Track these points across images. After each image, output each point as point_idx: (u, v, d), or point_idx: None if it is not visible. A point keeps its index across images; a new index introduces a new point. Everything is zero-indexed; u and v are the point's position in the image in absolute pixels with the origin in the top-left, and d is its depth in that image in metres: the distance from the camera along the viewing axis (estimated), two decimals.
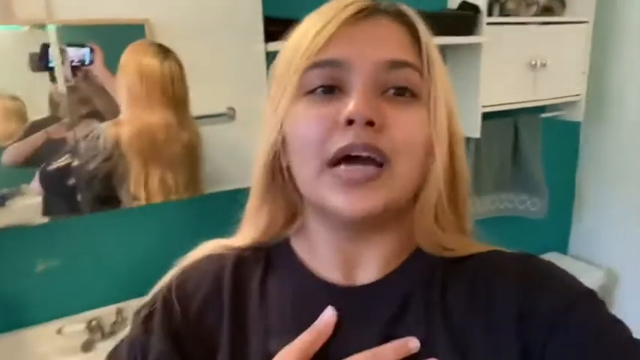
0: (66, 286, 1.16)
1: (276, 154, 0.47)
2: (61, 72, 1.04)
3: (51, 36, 1.02)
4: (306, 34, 0.45)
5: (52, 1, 1.00)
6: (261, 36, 1.18)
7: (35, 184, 1.08)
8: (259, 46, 1.18)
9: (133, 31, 1.09)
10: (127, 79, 1.09)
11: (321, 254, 0.50)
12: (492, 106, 1.57)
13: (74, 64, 1.03)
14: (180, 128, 1.14)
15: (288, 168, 0.48)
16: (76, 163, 1.09)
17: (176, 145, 1.14)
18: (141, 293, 1.16)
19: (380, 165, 0.43)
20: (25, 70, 1.02)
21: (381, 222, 0.46)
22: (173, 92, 1.12)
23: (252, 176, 0.50)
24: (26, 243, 1.11)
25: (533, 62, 1.61)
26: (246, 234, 0.53)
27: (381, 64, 0.43)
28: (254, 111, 1.08)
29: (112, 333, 1.14)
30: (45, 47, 1.00)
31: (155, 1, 1.10)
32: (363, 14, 0.45)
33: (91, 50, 1.04)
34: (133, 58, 1.09)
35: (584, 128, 1.97)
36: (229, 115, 1.21)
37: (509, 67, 1.59)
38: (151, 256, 1.19)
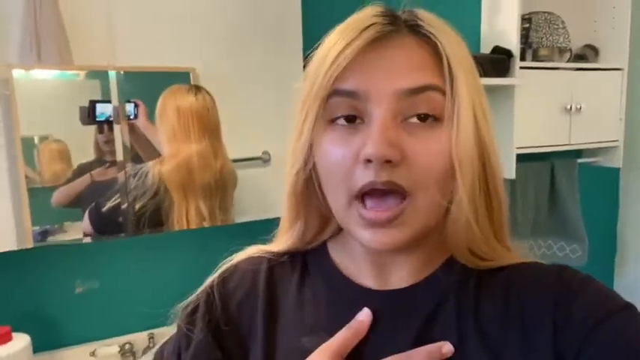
0: (102, 308, 1.19)
1: (308, 170, 0.49)
2: (118, 125, 1.13)
3: (109, 84, 1.11)
4: (326, 58, 0.44)
5: (110, 49, 1.09)
6: (300, 78, 1.24)
7: (86, 224, 1.14)
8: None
9: (180, 78, 1.19)
10: (166, 119, 1.17)
11: (356, 261, 0.51)
12: (527, 147, 1.57)
13: (120, 119, 1.12)
14: (214, 155, 1.21)
15: (320, 184, 0.49)
16: (125, 202, 1.15)
17: (210, 172, 1.20)
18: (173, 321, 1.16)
19: (403, 197, 0.43)
20: (72, 116, 1.09)
21: (412, 243, 0.46)
22: (208, 121, 1.20)
23: (286, 187, 0.51)
24: (68, 263, 1.15)
25: (568, 106, 1.62)
26: (283, 241, 0.55)
27: (399, 93, 0.43)
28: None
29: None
30: (92, 103, 1.09)
31: (201, 52, 1.20)
32: (380, 37, 0.44)
33: (136, 105, 1.13)
34: (169, 99, 1.18)
35: (623, 175, 1.93)
36: (264, 159, 1.26)
37: (544, 110, 1.60)
38: (186, 284, 1.19)
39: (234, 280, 0.53)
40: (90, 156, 1.12)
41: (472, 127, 0.44)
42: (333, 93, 0.44)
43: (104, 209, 1.14)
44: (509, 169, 1.54)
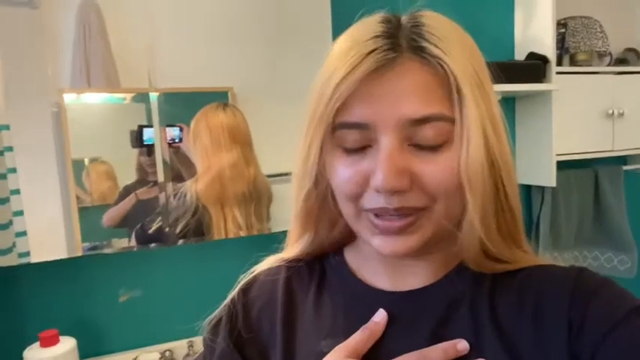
0: (144, 316, 1.22)
1: (320, 189, 0.49)
2: (158, 147, 1.19)
3: (152, 107, 1.17)
4: (328, 83, 0.43)
5: (152, 73, 1.15)
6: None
7: (133, 244, 1.19)
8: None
9: (218, 98, 1.24)
10: (199, 140, 1.22)
11: (372, 264, 0.52)
12: (568, 154, 1.53)
13: (168, 141, 1.18)
14: (246, 165, 1.24)
15: (331, 195, 0.49)
16: (167, 223, 1.20)
17: (243, 181, 1.23)
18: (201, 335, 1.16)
19: (414, 217, 0.44)
20: (118, 139, 1.16)
21: (425, 248, 0.46)
22: (237, 132, 1.24)
23: (294, 206, 0.52)
24: (113, 271, 1.19)
25: (610, 111, 1.57)
26: (297, 246, 0.55)
27: (405, 122, 0.42)
28: None
29: None
30: (140, 128, 1.16)
31: (237, 73, 1.24)
32: (384, 63, 0.42)
33: (181, 129, 1.19)
34: (201, 121, 1.22)
35: None
36: None
37: (585, 116, 1.56)
38: (224, 293, 1.22)
39: (254, 290, 0.55)
40: (133, 177, 1.17)
41: (482, 147, 0.42)
42: (339, 126, 0.44)
43: (150, 231, 1.19)
44: (549, 177, 1.50)
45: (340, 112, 0.43)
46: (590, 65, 1.60)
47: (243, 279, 0.57)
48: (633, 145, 1.63)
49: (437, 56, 0.41)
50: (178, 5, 1.18)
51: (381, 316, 0.48)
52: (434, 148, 0.43)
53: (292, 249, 0.55)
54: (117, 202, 1.16)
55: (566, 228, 1.58)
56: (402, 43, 0.43)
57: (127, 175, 1.17)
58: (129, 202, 1.17)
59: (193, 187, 1.20)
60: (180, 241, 1.20)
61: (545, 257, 0.52)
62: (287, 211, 1.20)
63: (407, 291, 0.49)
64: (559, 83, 1.48)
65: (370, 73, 0.42)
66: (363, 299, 0.50)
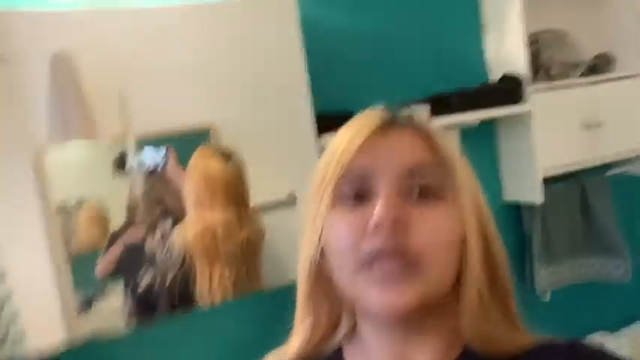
0: None
1: (318, 263, 0.50)
2: (138, 175, 1.16)
3: (129, 147, 1.15)
4: (336, 150, 0.49)
5: (128, 118, 1.12)
6: (312, 130, 1.27)
7: (126, 303, 1.17)
8: (311, 140, 1.26)
9: (201, 134, 1.20)
10: (194, 183, 1.18)
11: (374, 358, 0.51)
12: (553, 169, 1.54)
13: (150, 167, 1.15)
14: (239, 225, 1.19)
15: (330, 276, 0.50)
16: (157, 279, 1.17)
17: (234, 242, 1.18)
18: None
19: (412, 263, 0.45)
20: (107, 179, 1.14)
21: (423, 318, 0.47)
22: (235, 191, 1.20)
23: (299, 281, 0.53)
24: (108, 353, 1.16)
25: (589, 121, 1.58)
26: (295, 343, 0.55)
27: (403, 170, 0.47)
28: None
29: None
30: (122, 155, 1.13)
31: (218, 107, 1.21)
32: (384, 127, 0.49)
33: (166, 151, 1.15)
34: (200, 163, 1.18)
35: None
36: (290, 202, 1.27)
37: (564, 129, 1.56)
38: (224, 353, 1.24)
39: None
40: (123, 218, 1.14)
41: (472, 208, 0.48)
42: (342, 175, 0.48)
43: (140, 291, 1.15)
44: (536, 194, 1.51)
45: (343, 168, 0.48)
46: (567, 76, 1.61)
47: None
48: (615, 149, 1.64)
49: (426, 126, 0.50)
50: (150, 49, 1.15)
51: None
52: (428, 203, 0.46)
53: (293, 346, 0.55)
54: (106, 250, 1.12)
55: (559, 241, 1.59)
56: (400, 114, 0.51)
57: (116, 217, 1.14)
58: (117, 249, 1.13)
59: (181, 235, 1.16)
60: (174, 308, 1.16)
61: (537, 337, 0.52)
62: (280, 246, 1.21)
63: None
64: (536, 101, 1.48)
65: (374, 131, 0.48)
66: None
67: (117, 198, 1.15)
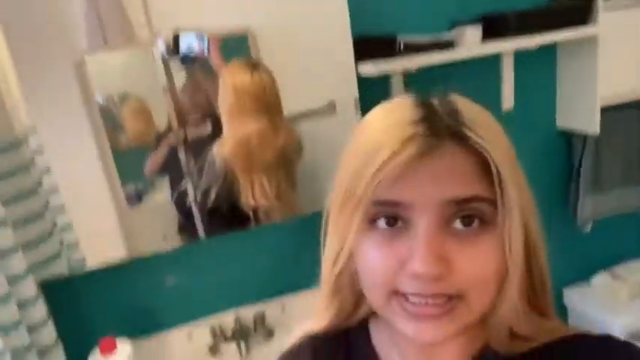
0: (192, 297, 1.32)
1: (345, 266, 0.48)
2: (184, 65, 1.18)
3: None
4: (370, 161, 0.42)
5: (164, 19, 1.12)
6: (350, 38, 1.23)
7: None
8: (349, 48, 1.24)
9: (238, 40, 1.19)
10: (225, 99, 1.19)
11: (400, 347, 0.52)
12: (613, 98, 1.44)
13: (197, 52, 1.15)
14: (274, 134, 1.21)
15: (357, 273, 0.48)
16: (200, 194, 1.23)
17: (270, 150, 1.22)
18: (253, 300, 1.30)
19: (452, 300, 0.42)
20: (149, 77, 1.16)
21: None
22: (265, 100, 1.20)
23: (322, 271, 0.52)
24: (158, 265, 1.27)
25: None
26: (321, 320, 0.56)
27: (445, 203, 0.41)
28: (351, 102, 1.23)
29: (233, 337, 1.28)
30: (176, 37, 1.12)
31: (256, 12, 1.18)
32: (425, 149, 0.41)
33: (208, 40, 1.14)
34: (227, 76, 1.18)
35: None
36: (330, 109, 1.27)
37: (633, 55, 1.41)
38: (261, 268, 1.35)
39: None
40: (166, 118, 1.18)
41: (522, 234, 0.43)
42: (373, 203, 0.42)
43: (186, 204, 1.22)
44: (592, 125, 1.44)
45: (376, 188, 0.42)
46: None
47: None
48: None
49: (478, 144, 0.41)
50: None
51: None
52: (472, 233, 0.42)
53: (320, 321, 0.56)
54: (153, 150, 1.19)
55: (610, 171, 1.54)
56: (440, 128, 0.42)
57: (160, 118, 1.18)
58: (163, 149, 1.19)
59: (220, 151, 1.20)
60: (219, 224, 1.26)
61: (569, 326, 0.52)
62: (320, 153, 1.25)
63: None
64: (606, 22, 1.32)
65: (411, 158, 0.41)
66: None
67: (160, 96, 1.16)
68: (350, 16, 1.21)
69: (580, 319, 1.62)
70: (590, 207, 1.56)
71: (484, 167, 0.42)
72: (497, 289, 0.44)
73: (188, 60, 1.15)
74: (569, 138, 1.57)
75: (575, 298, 1.63)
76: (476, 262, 0.42)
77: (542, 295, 0.49)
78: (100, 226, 1.18)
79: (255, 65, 1.18)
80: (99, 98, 1.12)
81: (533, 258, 0.46)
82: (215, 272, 1.34)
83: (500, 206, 0.42)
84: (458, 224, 0.42)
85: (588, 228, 1.59)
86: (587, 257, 1.68)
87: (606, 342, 0.48)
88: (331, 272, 0.50)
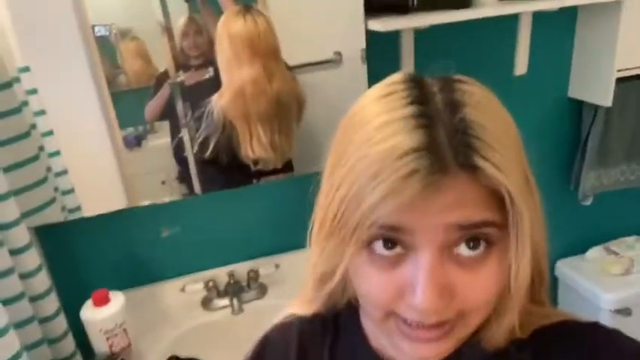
0: (187, 250, 1.31)
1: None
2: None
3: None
4: (362, 193, 0.37)
5: None
6: None
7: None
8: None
9: None
10: (222, 49, 1.15)
11: None
12: (630, 69, 1.39)
13: None
14: (267, 80, 1.17)
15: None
16: (196, 143, 1.20)
17: (265, 99, 1.18)
18: (247, 257, 1.30)
19: (453, 322, 0.41)
20: (149, 21, 1.10)
21: None
22: (260, 46, 1.15)
23: (307, 279, 0.50)
24: (154, 214, 1.26)
25: None
26: (311, 301, 0.54)
27: (449, 228, 0.37)
28: (358, 55, 1.18)
29: (226, 293, 1.29)
30: None
31: None
32: (429, 183, 0.36)
33: None
34: (222, 28, 1.14)
35: None
36: (336, 61, 1.23)
37: None
38: (256, 229, 1.34)
39: (267, 353, 0.56)
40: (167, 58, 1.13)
41: (530, 258, 0.41)
42: (372, 225, 0.38)
43: (184, 153, 1.20)
44: (605, 96, 1.40)
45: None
46: None
47: (257, 341, 0.58)
48: None
49: (493, 177, 0.36)
50: None
51: None
52: (477, 257, 0.39)
53: (308, 304, 0.55)
54: (153, 95, 1.15)
55: (617, 144, 1.50)
56: (448, 162, 0.36)
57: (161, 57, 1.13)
58: (163, 93, 1.15)
59: (219, 103, 1.17)
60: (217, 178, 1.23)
61: (559, 312, 0.51)
62: (324, 106, 1.21)
63: None
64: None
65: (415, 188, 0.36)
66: None
67: (159, 34, 1.12)
68: None
69: (570, 292, 1.64)
70: (592, 180, 1.54)
71: (494, 192, 0.38)
72: (498, 300, 0.43)
73: None
74: (579, 108, 1.52)
75: (567, 269, 1.64)
76: (481, 287, 0.40)
77: (539, 289, 0.49)
78: (97, 171, 1.15)
79: (247, 9, 1.13)
80: (97, 33, 1.07)
81: (535, 268, 0.45)
82: (210, 227, 1.33)
83: (511, 230, 0.39)
84: (463, 249, 0.39)
85: (589, 201, 1.57)
86: (584, 231, 1.68)
87: (594, 329, 0.48)
88: (319, 288, 0.48)
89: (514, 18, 1.31)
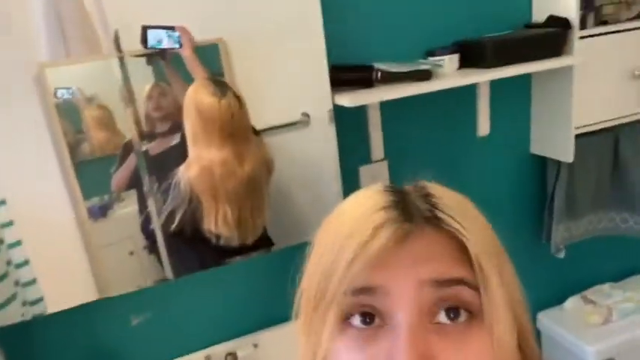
0: (158, 336, 1.26)
1: None
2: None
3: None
4: (340, 256, 0.39)
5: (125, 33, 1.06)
6: (324, 52, 1.20)
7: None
8: (323, 62, 1.20)
9: (210, 50, 1.13)
10: (190, 121, 1.12)
11: None
12: (588, 126, 1.44)
13: (167, 45, 1.08)
14: (239, 163, 1.16)
15: None
16: (162, 216, 1.16)
17: (234, 180, 1.16)
18: (225, 338, 1.24)
19: None
20: (113, 86, 1.08)
21: None
22: (232, 128, 1.14)
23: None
24: (123, 302, 1.20)
25: (638, 72, 1.41)
26: None
27: (423, 286, 0.38)
28: (326, 116, 1.19)
29: None
30: (144, 29, 1.06)
31: (227, 22, 1.14)
32: (399, 235, 0.39)
33: (179, 35, 1.08)
34: (193, 96, 1.11)
35: None
36: (304, 122, 1.23)
37: (608, 81, 1.42)
38: (232, 307, 1.30)
39: None
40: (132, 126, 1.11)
41: (511, 324, 0.41)
42: (347, 293, 0.39)
43: (151, 226, 1.16)
44: (566, 152, 1.44)
45: (350, 279, 0.39)
46: (618, 20, 1.37)
47: None
48: None
49: (454, 227, 0.39)
50: None
51: None
52: (458, 328, 0.39)
53: None
54: (119, 163, 1.11)
55: (583, 196, 1.54)
56: (414, 213, 0.40)
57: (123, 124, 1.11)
58: (130, 163, 1.11)
59: (186, 175, 1.14)
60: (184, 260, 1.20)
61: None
62: (294, 167, 1.20)
63: None
64: (582, 50, 1.32)
65: (386, 245, 0.38)
66: None
67: (124, 99, 1.09)
68: (326, 43, 1.18)
69: (553, 344, 1.63)
70: (562, 232, 1.56)
71: (465, 252, 0.39)
72: None
73: (156, 59, 1.09)
74: (543, 163, 1.57)
75: (548, 322, 1.64)
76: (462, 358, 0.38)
77: (525, 350, 0.47)
78: (63, 260, 1.09)
79: (223, 90, 1.12)
80: (60, 96, 1.04)
81: (522, 341, 0.44)
82: (184, 310, 1.29)
83: (483, 295, 0.39)
84: (443, 317, 0.39)
85: (562, 254, 1.59)
86: (560, 281, 1.70)
87: None
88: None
89: (473, 86, 1.36)
